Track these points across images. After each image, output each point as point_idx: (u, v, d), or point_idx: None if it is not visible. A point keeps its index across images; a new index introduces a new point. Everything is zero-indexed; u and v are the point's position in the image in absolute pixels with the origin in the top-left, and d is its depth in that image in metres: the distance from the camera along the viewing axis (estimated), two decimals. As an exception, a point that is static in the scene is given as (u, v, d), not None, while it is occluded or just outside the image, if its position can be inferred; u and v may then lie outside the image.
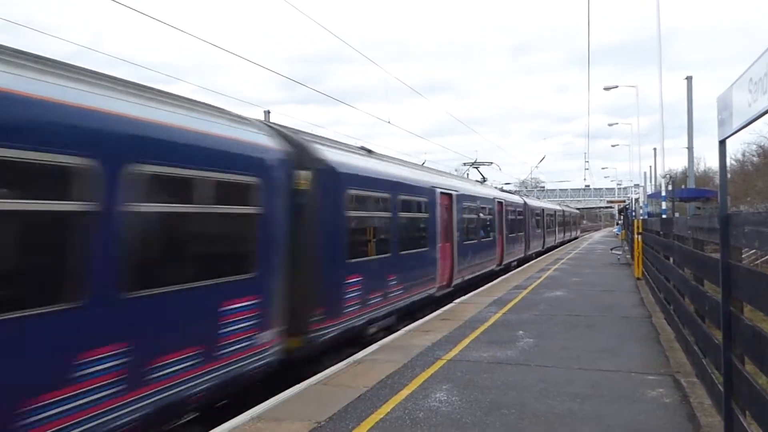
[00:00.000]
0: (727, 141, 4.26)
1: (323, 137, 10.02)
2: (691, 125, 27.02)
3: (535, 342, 8.90)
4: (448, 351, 8.33)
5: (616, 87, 33.76)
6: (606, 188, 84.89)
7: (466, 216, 16.66)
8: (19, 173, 4.13)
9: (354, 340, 9.45)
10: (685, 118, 27.00)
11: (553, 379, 6.84)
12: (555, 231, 41.00)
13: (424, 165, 18.92)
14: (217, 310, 6.00)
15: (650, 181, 43.54)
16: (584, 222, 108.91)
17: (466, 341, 8.99)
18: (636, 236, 19.22)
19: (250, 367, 6.47)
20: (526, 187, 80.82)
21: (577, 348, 8.44)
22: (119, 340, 4.79)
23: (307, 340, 7.94)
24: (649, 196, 32.81)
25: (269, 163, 7.04)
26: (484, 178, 25.95)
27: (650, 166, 48.93)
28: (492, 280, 18.18)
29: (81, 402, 4.40)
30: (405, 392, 6.42)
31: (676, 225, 9.12)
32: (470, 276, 16.88)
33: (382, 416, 5.66)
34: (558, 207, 46.33)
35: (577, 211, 70.62)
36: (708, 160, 73.57)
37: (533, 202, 33.19)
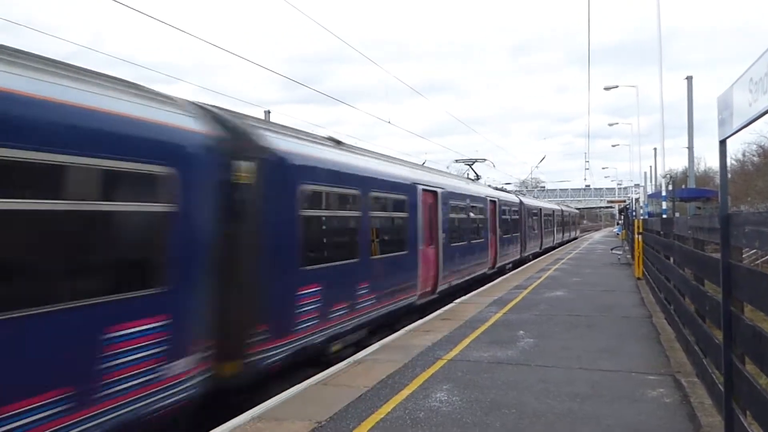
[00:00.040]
0: (728, 141, 4.26)
1: (276, 123, 8.80)
2: (692, 125, 27.02)
3: (536, 342, 8.90)
4: (449, 351, 8.33)
5: (617, 87, 33.76)
6: (606, 188, 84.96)
7: (453, 215, 15.48)
8: None
9: (314, 360, 8.26)
10: (686, 118, 27.01)
11: (554, 379, 6.84)
12: (553, 231, 40.18)
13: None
14: (100, 337, 4.68)
15: (650, 181, 43.53)
16: (584, 222, 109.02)
17: (466, 341, 8.99)
18: (636, 236, 19.22)
19: (157, 406, 5.20)
20: (527, 187, 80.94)
21: (577, 348, 8.44)
22: None
23: (246, 364, 6.65)
24: (650, 196, 32.80)
25: (190, 151, 5.80)
26: (477, 175, 25.07)
27: (650, 166, 48.92)
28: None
29: None
30: (405, 392, 6.42)
31: (677, 225, 9.12)
32: (459, 281, 15.73)
33: (382, 416, 5.66)
34: (556, 206, 45.66)
35: (577, 211, 70.36)
36: (708, 160, 73.71)
37: (530, 201, 32.38)
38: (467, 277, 16.62)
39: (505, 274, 20.65)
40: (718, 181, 6.74)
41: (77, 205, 4.56)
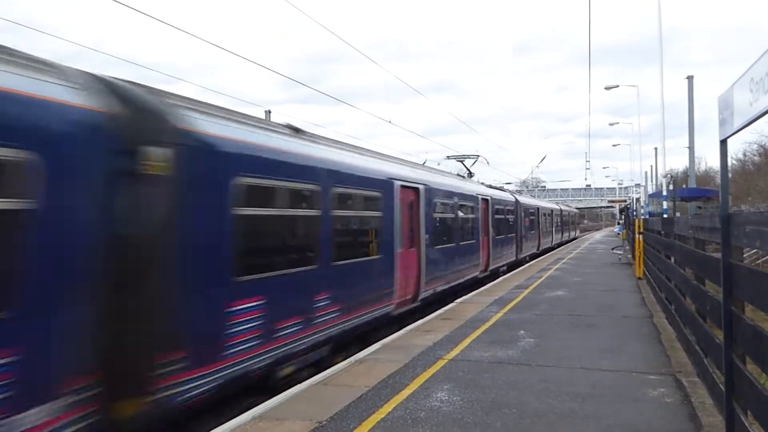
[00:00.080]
0: (729, 140, 4.26)
1: (207, 103, 6.95)
2: (692, 125, 27.00)
3: (537, 342, 8.90)
4: (450, 351, 8.33)
5: (617, 86, 33.74)
6: (607, 188, 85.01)
7: (439, 215, 14.25)
8: None
9: (260, 387, 7.04)
10: (686, 118, 27.00)
11: (555, 378, 6.84)
12: (552, 231, 39.25)
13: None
14: None
15: (651, 181, 43.51)
16: (585, 222, 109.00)
17: (467, 341, 8.99)
18: (637, 236, 19.20)
19: None
20: (527, 187, 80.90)
21: (578, 347, 8.44)
22: None
23: (154, 402, 5.27)
24: (650, 196, 32.81)
25: (63, 130, 4.60)
26: (470, 172, 23.56)
27: (651, 166, 48.96)
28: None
29: None
30: (406, 392, 6.42)
31: (678, 224, 9.12)
32: (444, 287, 14.36)
33: (383, 416, 5.66)
34: (555, 206, 44.73)
35: (576, 211, 69.97)
36: (709, 159, 73.85)
37: (526, 200, 31.24)
38: (455, 282, 15.42)
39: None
40: (718, 180, 6.73)
41: None
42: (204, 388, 5.85)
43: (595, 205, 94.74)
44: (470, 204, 17.54)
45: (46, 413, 4.32)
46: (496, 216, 21.19)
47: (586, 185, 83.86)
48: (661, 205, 22.65)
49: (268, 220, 7.26)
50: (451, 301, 13.57)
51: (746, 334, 4.02)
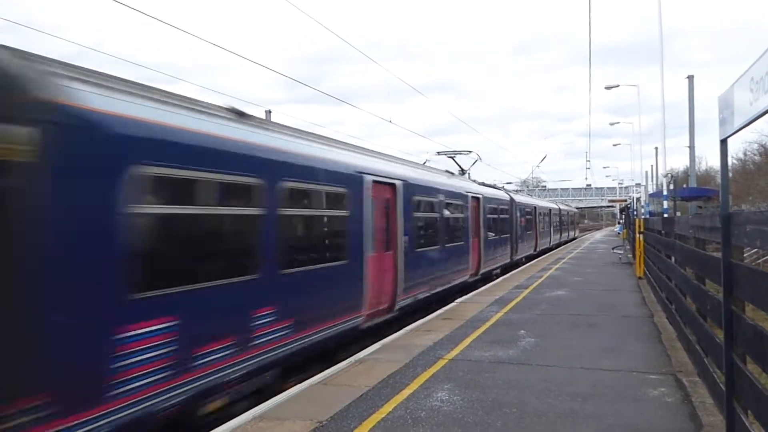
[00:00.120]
0: (729, 140, 4.26)
1: (100, 73, 5.46)
2: (693, 124, 27.03)
3: (537, 341, 8.90)
4: (450, 350, 8.33)
5: (618, 86, 33.76)
6: (607, 187, 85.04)
7: (420, 214, 12.89)
8: None
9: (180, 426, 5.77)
10: (687, 117, 27.02)
11: (555, 378, 6.84)
12: (550, 232, 38.27)
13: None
14: None
15: (652, 181, 43.53)
16: (585, 221, 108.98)
17: (467, 341, 8.99)
18: (637, 235, 19.20)
19: None
20: (528, 187, 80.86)
21: (578, 347, 8.44)
22: None
23: None
24: (651, 195, 32.78)
25: None
26: (462, 169, 22.14)
27: (651, 165, 49.02)
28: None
29: None
30: (407, 392, 6.42)
31: (678, 224, 9.12)
32: (427, 294, 12.95)
33: (383, 415, 5.66)
34: (553, 205, 43.63)
35: (576, 210, 69.63)
36: (709, 159, 73.86)
37: (522, 199, 29.97)
38: (441, 288, 14.03)
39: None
40: (719, 180, 6.73)
41: None
42: None
43: (595, 205, 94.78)
44: (459, 202, 16.17)
45: None
46: (489, 215, 19.91)
47: (587, 185, 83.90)
48: (662, 205, 22.64)
49: (186, 221, 5.86)
50: (451, 301, 13.58)
51: (747, 334, 4.02)
